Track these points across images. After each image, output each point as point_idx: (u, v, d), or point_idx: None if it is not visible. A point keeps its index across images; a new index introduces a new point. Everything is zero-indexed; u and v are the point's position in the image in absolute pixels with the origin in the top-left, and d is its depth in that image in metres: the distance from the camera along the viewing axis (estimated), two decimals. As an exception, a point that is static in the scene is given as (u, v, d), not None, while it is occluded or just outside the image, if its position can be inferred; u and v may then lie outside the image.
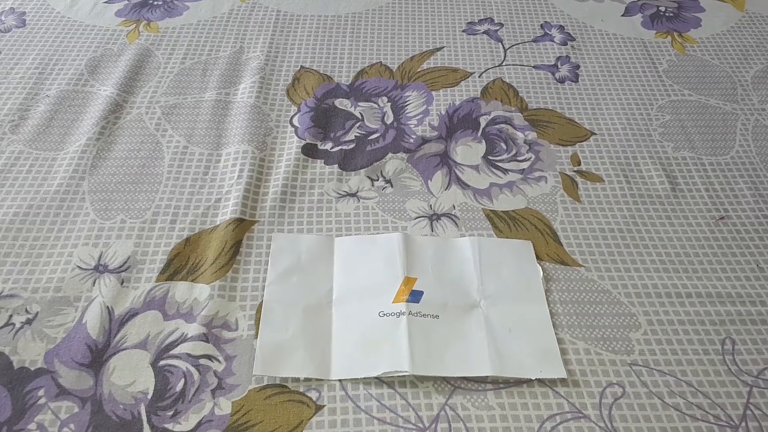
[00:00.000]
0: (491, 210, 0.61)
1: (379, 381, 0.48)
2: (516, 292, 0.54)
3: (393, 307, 0.52)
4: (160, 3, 0.85)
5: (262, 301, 0.53)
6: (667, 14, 0.89)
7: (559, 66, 0.79)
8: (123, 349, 0.49)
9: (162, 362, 0.48)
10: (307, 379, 0.48)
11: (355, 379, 0.48)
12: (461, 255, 0.56)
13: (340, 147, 0.66)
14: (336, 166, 0.64)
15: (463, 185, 0.63)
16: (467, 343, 0.50)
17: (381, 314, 0.51)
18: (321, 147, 0.66)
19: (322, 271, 0.55)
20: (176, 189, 0.61)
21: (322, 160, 0.65)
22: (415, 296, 0.52)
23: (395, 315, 0.51)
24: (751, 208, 0.62)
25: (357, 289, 0.54)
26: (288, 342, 0.49)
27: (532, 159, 0.66)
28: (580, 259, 0.57)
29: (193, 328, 0.50)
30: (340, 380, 0.48)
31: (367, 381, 0.48)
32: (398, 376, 0.48)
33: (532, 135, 0.69)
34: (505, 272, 0.55)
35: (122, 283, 0.53)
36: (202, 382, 0.47)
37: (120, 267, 0.54)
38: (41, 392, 0.46)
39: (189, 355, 0.49)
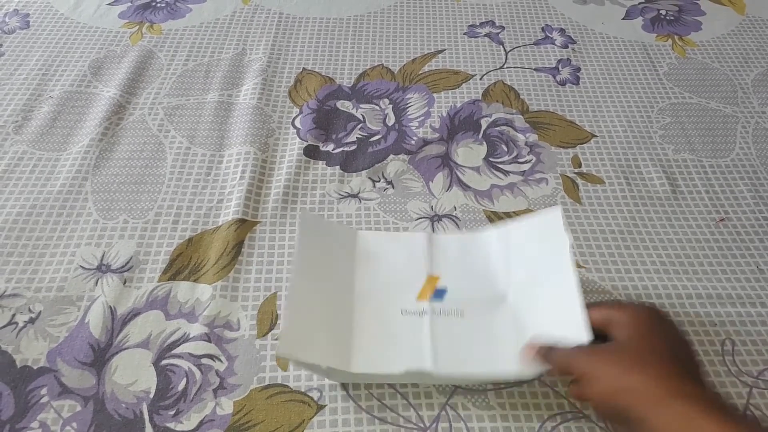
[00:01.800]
0: (492, 211, 0.61)
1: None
2: (543, 271, 0.49)
3: (416, 305, 0.50)
4: (163, 5, 0.86)
5: (261, 300, 0.53)
6: (667, 18, 0.89)
7: (560, 68, 0.79)
8: (125, 349, 0.49)
9: (164, 362, 0.48)
10: (308, 379, 0.48)
11: (374, 374, 0.46)
12: (488, 248, 0.53)
13: (341, 148, 0.67)
14: (337, 167, 0.65)
15: (464, 187, 0.63)
16: (493, 340, 0.47)
17: (403, 312, 0.49)
18: (323, 148, 0.67)
19: (345, 263, 0.52)
20: (179, 189, 0.62)
21: (324, 162, 0.65)
22: (439, 294, 0.50)
23: (418, 314, 0.49)
24: (752, 210, 0.62)
25: (378, 285, 0.51)
26: (312, 327, 0.46)
27: (533, 161, 0.66)
28: (580, 260, 0.57)
29: (195, 328, 0.50)
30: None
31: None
32: (417, 376, 0.46)
33: (533, 137, 0.69)
34: (532, 252, 0.51)
35: (125, 282, 0.53)
36: (203, 381, 0.47)
37: (122, 267, 0.55)
38: (44, 391, 0.46)
39: (191, 354, 0.49)
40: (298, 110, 0.71)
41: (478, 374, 0.47)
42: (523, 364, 0.44)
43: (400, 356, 0.46)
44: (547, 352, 0.43)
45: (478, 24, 0.86)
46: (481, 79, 0.77)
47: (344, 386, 0.48)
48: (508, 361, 0.45)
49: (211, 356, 0.49)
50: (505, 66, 0.79)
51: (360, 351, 0.47)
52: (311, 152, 0.66)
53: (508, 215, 0.61)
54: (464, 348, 0.47)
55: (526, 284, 0.49)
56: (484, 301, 0.50)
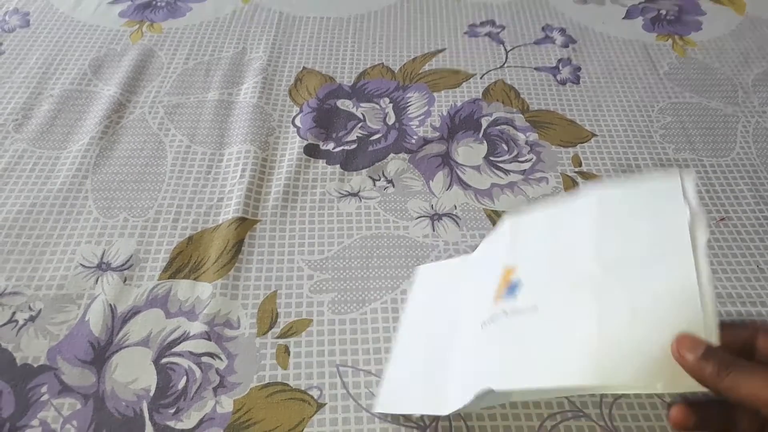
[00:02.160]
0: (492, 210, 0.61)
1: (381, 379, 0.48)
2: (649, 250, 0.34)
3: (490, 312, 0.39)
4: (164, 4, 0.86)
5: (261, 299, 0.53)
6: (668, 17, 0.89)
7: (561, 68, 0.79)
8: (125, 347, 0.49)
9: (164, 360, 0.48)
10: (308, 377, 0.48)
11: (459, 409, 0.39)
12: (576, 220, 0.39)
13: (341, 147, 0.67)
14: (338, 166, 0.65)
15: (465, 186, 0.63)
16: (569, 338, 0.34)
17: (483, 325, 0.39)
18: (323, 147, 0.67)
19: (451, 296, 0.46)
20: (179, 188, 0.62)
21: (324, 160, 0.65)
22: (512, 290, 0.39)
23: (490, 322, 0.39)
24: (752, 210, 0.63)
25: (473, 303, 0.43)
26: (410, 377, 0.43)
27: (533, 160, 0.66)
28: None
29: (195, 326, 0.50)
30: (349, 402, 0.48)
31: (368, 378, 0.48)
32: (497, 397, 0.39)
33: (533, 136, 0.69)
34: (635, 226, 0.36)
35: (125, 281, 0.53)
36: (204, 379, 0.47)
37: (123, 265, 0.54)
38: (44, 389, 0.46)
39: (191, 353, 0.49)
40: (298, 109, 0.71)
41: (552, 388, 0.36)
42: (658, 373, 0.29)
43: (469, 381, 0.38)
44: (720, 365, 0.26)
45: (478, 23, 0.86)
46: (481, 78, 0.77)
47: (344, 384, 0.48)
48: (583, 368, 0.32)
49: (211, 354, 0.49)
50: (505, 65, 0.79)
51: (449, 388, 0.40)
52: (311, 151, 0.66)
53: (509, 214, 0.61)
54: (534, 353, 0.35)
55: (620, 265, 0.35)
56: (563, 285, 0.36)
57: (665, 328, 0.30)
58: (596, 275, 0.35)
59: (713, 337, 0.28)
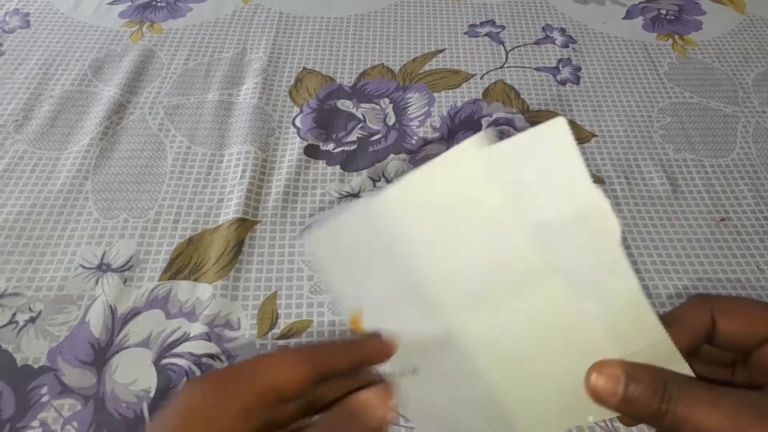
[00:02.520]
0: (492, 211, 0.61)
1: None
2: (497, 275, 0.25)
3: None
4: (164, 4, 0.86)
5: (261, 300, 0.53)
6: (668, 17, 0.89)
7: (561, 68, 0.79)
8: (125, 348, 0.49)
9: (164, 361, 0.48)
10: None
11: None
12: (396, 232, 0.28)
13: (342, 148, 0.67)
14: (338, 166, 0.65)
15: (465, 186, 0.63)
16: (465, 405, 0.27)
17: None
18: (323, 148, 0.67)
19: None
20: (179, 189, 0.62)
21: (324, 161, 0.65)
22: None
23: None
24: (752, 210, 0.62)
25: None
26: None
27: (533, 160, 0.66)
28: (580, 260, 0.57)
29: (196, 327, 0.50)
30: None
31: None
32: None
33: (533, 136, 0.69)
34: (468, 237, 0.25)
35: (125, 282, 0.53)
36: (204, 380, 0.47)
37: (123, 266, 0.55)
38: (44, 390, 0.46)
39: (191, 353, 0.49)
40: (298, 109, 0.71)
41: None
42: (585, 405, 0.24)
43: None
44: (652, 395, 0.22)
45: (478, 23, 0.86)
46: (481, 78, 0.77)
47: (344, 386, 0.48)
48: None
49: (211, 355, 0.49)
50: (505, 65, 0.79)
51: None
52: (312, 151, 0.66)
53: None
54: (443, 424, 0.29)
55: (475, 302, 0.25)
56: (427, 341, 0.27)
57: (569, 359, 0.24)
58: (451, 323, 0.26)
59: (659, 359, 0.23)
